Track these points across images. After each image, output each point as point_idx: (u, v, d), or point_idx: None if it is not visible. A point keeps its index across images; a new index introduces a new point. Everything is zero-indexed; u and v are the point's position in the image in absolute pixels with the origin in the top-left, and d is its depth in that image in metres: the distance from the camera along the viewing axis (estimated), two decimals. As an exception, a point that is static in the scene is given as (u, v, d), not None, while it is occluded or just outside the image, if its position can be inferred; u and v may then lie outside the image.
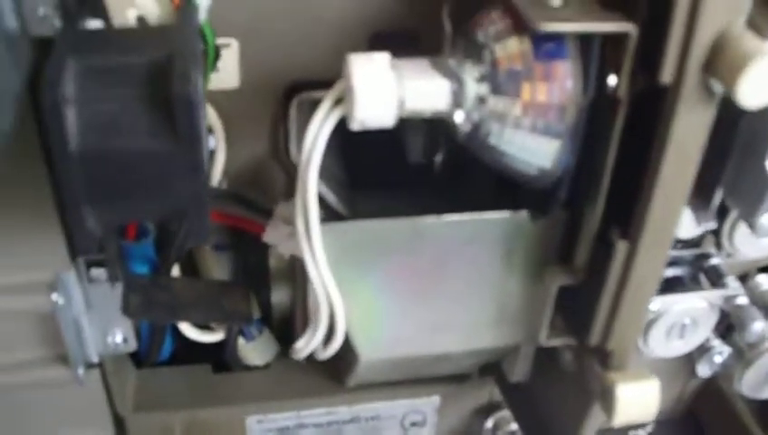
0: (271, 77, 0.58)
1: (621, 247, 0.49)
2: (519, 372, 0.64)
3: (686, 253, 0.64)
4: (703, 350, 0.68)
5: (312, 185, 0.50)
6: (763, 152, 0.49)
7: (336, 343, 0.57)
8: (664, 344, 0.65)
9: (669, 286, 0.63)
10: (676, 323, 0.63)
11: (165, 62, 0.42)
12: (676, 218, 0.48)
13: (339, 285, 0.54)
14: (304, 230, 0.51)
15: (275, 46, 0.57)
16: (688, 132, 0.45)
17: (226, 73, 0.57)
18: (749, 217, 0.51)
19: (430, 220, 0.54)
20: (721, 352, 0.69)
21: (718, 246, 0.62)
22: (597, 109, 0.47)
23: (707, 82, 0.43)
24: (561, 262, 0.55)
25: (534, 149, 0.48)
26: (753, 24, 0.44)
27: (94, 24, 0.46)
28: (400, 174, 0.62)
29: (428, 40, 0.56)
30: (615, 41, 0.45)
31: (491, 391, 0.72)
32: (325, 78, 0.51)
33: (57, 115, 0.40)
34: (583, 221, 0.52)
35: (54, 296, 0.56)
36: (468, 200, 0.58)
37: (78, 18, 0.46)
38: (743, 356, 0.69)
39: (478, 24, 0.49)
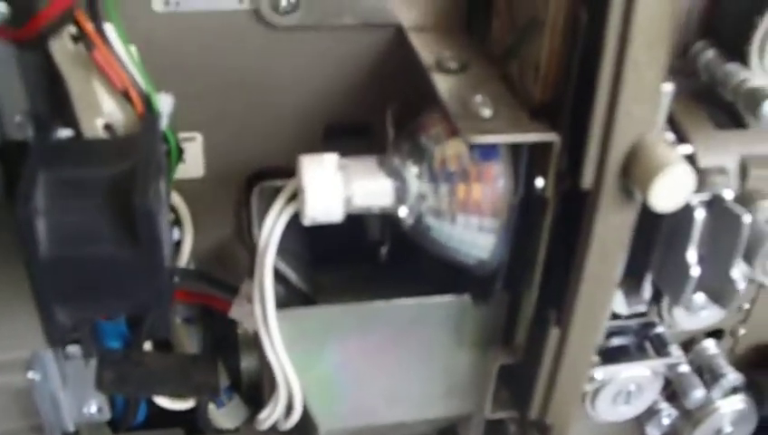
0: (233, 166, 0.63)
1: (554, 333, 0.53)
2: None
3: (632, 323, 0.68)
4: (651, 413, 0.72)
5: (268, 276, 0.54)
6: (684, 246, 0.53)
7: (295, 417, 0.61)
8: (611, 410, 0.69)
9: (616, 355, 0.67)
10: (622, 390, 0.67)
11: (127, 174, 0.46)
12: (604, 308, 0.53)
13: (297, 362, 0.58)
14: (262, 317, 0.56)
15: (237, 139, 0.61)
16: (609, 232, 0.49)
17: (192, 164, 0.61)
18: (674, 302, 0.55)
19: (380, 304, 0.59)
20: (669, 414, 0.72)
21: (660, 317, 0.67)
22: (528, 206, 0.52)
23: (626, 186, 0.48)
24: (503, 341, 0.59)
25: (471, 243, 0.53)
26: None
27: (65, 132, 0.51)
28: (360, 249, 0.66)
29: (380, 130, 0.60)
30: (542, 147, 0.49)
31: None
32: (284, 167, 0.56)
33: (29, 226, 0.45)
34: (521, 305, 0.56)
35: (31, 374, 0.60)
36: (422, 275, 0.62)
37: (50, 127, 0.51)
38: (690, 417, 0.73)
39: (420, 127, 0.53)
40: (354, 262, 0.66)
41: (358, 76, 0.60)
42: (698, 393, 0.67)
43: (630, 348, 0.68)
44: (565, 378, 0.55)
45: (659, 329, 0.68)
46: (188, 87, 0.57)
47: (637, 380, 0.67)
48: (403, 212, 0.53)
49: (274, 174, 0.61)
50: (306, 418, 0.63)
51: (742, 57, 0.56)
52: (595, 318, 0.53)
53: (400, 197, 0.53)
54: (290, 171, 0.54)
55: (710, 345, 0.72)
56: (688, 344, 0.72)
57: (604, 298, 0.52)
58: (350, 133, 0.62)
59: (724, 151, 0.56)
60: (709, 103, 0.59)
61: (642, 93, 0.45)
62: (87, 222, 0.46)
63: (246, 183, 0.64)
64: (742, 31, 0.56)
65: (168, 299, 0.49)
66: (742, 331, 0.71)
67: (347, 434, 0.66)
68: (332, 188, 0.51)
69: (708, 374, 0.71)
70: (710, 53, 0.58)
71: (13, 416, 0.63)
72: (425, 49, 0.56)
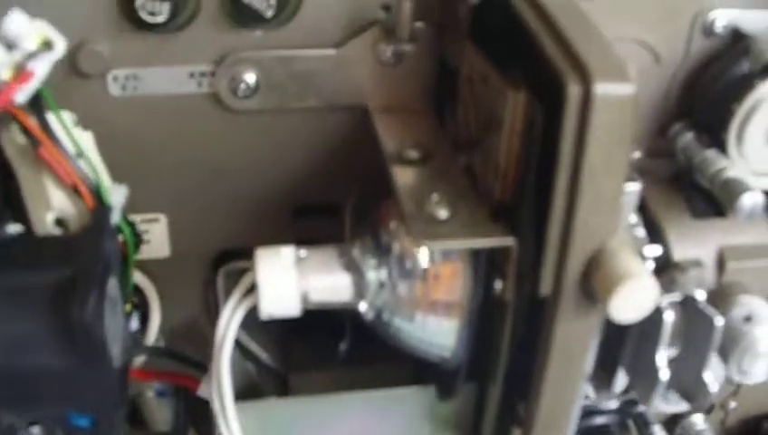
0: (199, 246, 0.61)
1: (516, 434, 0.51)
2: None
3: (613, 402, 0.66)
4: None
5: (225, 371, 0.52)
6: (654, 347, 0.50)
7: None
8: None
9: (597, 435, 0.65)
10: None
11: (68, 282, 0.44)
12: (568, 414, 0.50)
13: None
14: (220, 410, 0.54)
15: (201, 219, 0.60)
16: (571, 338, 0.46)
17: (157, 244, 0.60)
18: (644, 401, 0.53)
19: (347, 396, 0.57)
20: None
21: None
22: (488, 307, 0.50)
23: (588, 291, 0.45)
24: (471, 433, 0.57)
25: (430, 342, 0.51)
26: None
27: (14, 228, 0.50)
28: (332, 326, 0.64)
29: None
30: (501, 250, 0.47)
31: None
32: (251, 247, 0.54)
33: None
34: (487, 400, 0.54)
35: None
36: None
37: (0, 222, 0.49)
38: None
39: (380, 219, 0.51)
40: (329, 332, 0.64)
41: (324, 157, 0.58)
42: (684, 477, 0.65)
43: (612, 428, 0.66)
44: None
45: (641, 408, 0.66)
46: (150, 169, 0.56)
47: (619, 463, 0.65)
48: (363, 307, 0.51)
49: (241, 254, 0.59)
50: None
51: (719, 143, 0.53)
52: (558, 421, 0.50)
53: (360, 291, 0.51)
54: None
55: (698, 420, 0.69)
56: (677, 418, 0.69)
57: (569, 402, 0.50)
58: (319, 213, 0.60)
59: (700, 243, 0.54)
60: (687, 186, 0.56)
61: (600, 204, 0.42)
62: (26, 332, 0.44)
63: (213, 263, 0.62)
64: (720, 116, 0.53)
65: (117, 403, 0.48)
66: (732, 404, 0.69)
67: None
68: (288, 284, 0.49)
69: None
70: (688, 137, 0.55)
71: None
72: (388, 134, 0.54)
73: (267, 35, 0.53)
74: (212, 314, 0.63)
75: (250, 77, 0.54)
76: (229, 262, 0.60)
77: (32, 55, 0.43)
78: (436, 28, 0.54)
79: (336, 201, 0.59)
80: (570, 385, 0.49)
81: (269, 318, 0.50)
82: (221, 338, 0.52)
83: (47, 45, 0.44)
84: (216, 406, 0.54)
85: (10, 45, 0.43)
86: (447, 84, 0.56)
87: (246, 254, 0.57)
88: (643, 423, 0.65)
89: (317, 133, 0.58)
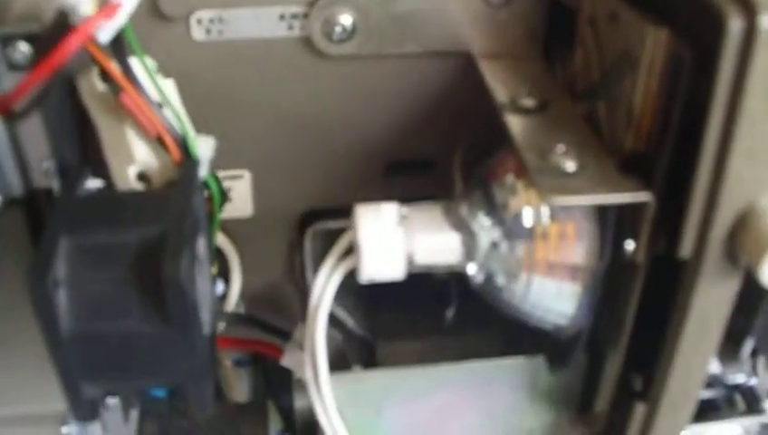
0: (285, 205, 0.56)
1: (640, 409, 0.46)
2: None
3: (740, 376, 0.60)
4: (741, 470, 0.65)
5: (320, 340, 0.48)
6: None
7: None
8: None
9: (703, 410, 0.59)
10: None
11: (157, 239, 0.40)
12: (698, 384, 0.45)
13: (351, 426, 0.52)
14: (313, 380, 0.49)
15: (288, 176, 0.55)
16: (710, 305, 0.41)
17: (240, 203, 0.55)
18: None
19: (443, 368, 0.52)
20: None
21: (755, 372, 0.59)
22: (615, 270, 0.44)
23: (731, 253, 0.40)
24: (580, 409, 0.52)
25: (547, 308, 0.46)
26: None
27: (94, 183, 0.45)
28: (422, 294, 0.59)
29: (445, 166, 0.53)
30: (633, 206, 0.42)
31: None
32: (340, 206, 0.49)
33: (46, 301, 0.39)
34: (603, 370, 0.49)
35: (65, 429, 0.55)
36: (495, 325, 0.55)
37: (77, 177, 0.44)
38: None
39: (492, 173, 0.46)
40: (419, 300, 0.59)
41: (422, 108, 0.53)
42: (796, 455, 0.60)
43: (719, 402, 0.61)
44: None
45: (753, 382, 0.60)
46: (234, 122, 0.51)
47: (727, 438, 0.59)
48: (472, 270, 0.46)
49: (329, 214, 0.55)
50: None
51: None
52: (688, 394, 0.45)
53: (469, 252, 0.45)
54: (346, 211, 0.47)
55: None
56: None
57: (699, 374, 0.45)
58: (415, 170, 0.55)
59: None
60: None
61: (757, 154, 0.37)
62: (111, 295, 0.39)
63: (299, 223, 0.57)
64: None
65: (207, 372, 0.43)
66: None
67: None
68: (392, 244, 0.45)
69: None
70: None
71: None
72: (498, 82, 0.48)
73: (366, -26, 0.48)
74: (297, 278, 0.59)
75: (346, 19, 0.48)
76: (317, 222, 0.56)
77: (118, -13, 0.39)
78: (549, -36, 0.49)
79: (433, 157, 0.54)
80: (702, 357, 0.44)
81: (369, 282, 0.46)
82: (315, 305, 0.47)
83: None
84: (308, 376, 0.49)
85: (94, -23, 0.39)
86: (560, 27, 0.50)
87: (335, 213, 0.53)
88: (753, 399, 0.60)
89: (416, 82, 0.52)
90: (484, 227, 0.45)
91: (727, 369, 0.50)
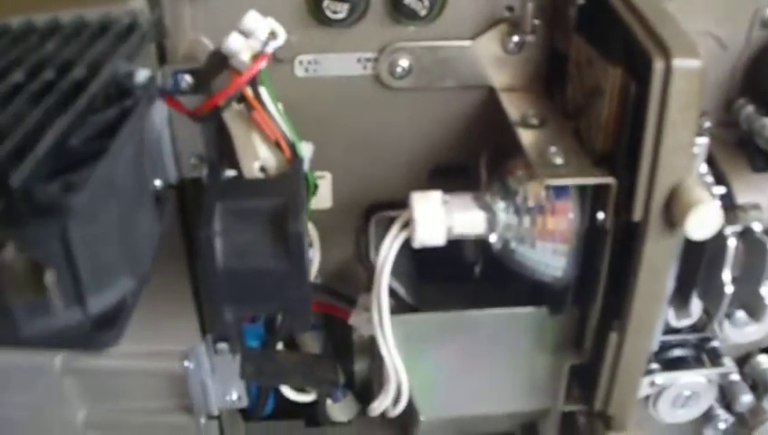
0: (355, 199, 0.82)
1: (613, 338, 0.70)
2: (550, 432, 0.85)
3: (691, 337, 0.84)
4: (708, 417, 0.88)
5: (384, 289, 0.72)
6: (721, 268, 0.69)
7: (401, 405, 0.79)
8: (671, 412, 0.84)
9: (675, 364, 0.83)
10: (680, 395, 0.83)
11: (282, 206, 0.65)
12: (654, 319, 0.69)
13: (404, 360, 0.76)
14: (378, 321, 0.74)
15: (358, 177, 0.80)
16: (656, 255, 0.66)
17: (322, 197, 0.80)
18: (714, 314, 0.72)
19: (473, 313, 0.77)
20: (725, 419, 0.88)
21: (714, 332, 0.83)
22: (592, 234, 0.69)
23: (669, 218, 0.65)
24: (573, 345, 0.77)
25: (547, 264, 0.71)
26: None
27: (230, 172, 0.70)
28: (457, 269, 0.84)
29: (476, 172, 0.78)
30: (603, 188, 0.67)
31: (533, 448, 0.94)
32: (397, 200, 0.75)
33: (209, 245, 0.64)
34: (588, 316, 0.74)
35: (186, 363, 0.79)
36: (507, 292, 0.80)
37: (220, 168, 0.70)
38: (745, 424, 0.89)
39: (507, 171, 0.71)
40: (452, 280, 0.84)
41: (457, 127, 0.79)
42: (746, 398, 0.83)
43: (689, 359, 0.84)
44: (623, 375, 0.72)
45: (714, 343, 0.84)
46: (321, 136, 0.75)
47: (693, 386, 0.82)
48: (493, 238, 0.71)
49: (388, 206, 0.80)
50: (409, 407, 0.81)
51: (775, 113, 0.73)
52: (648, 325, 0.69)
53: (491, 226, 0.70)
54: (401, 204, 0.72)
55: (764, 360, 0.88)
56: (744, 359, 0.88)
57: (655, 309, 0.69)
58: (451, 174, 0.80)
59: (759, 191, 0.73)
60: (749, 148, 0.76)
61: (678, 148, 0.61)
62: (252, 242, 0.64)
63: (365, 213, 0.83)
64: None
65: (308, 303, 0.67)
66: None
67: (442, 422, 0.83)
68: (437, 218, 0.69)
69: (762, 386, 0.87)
70: (749, 109, 0.75)
71: (170, 396, 0.82)
72: (512, 106, 0.74)
73: (419, 29, 0.74)
74: (362, 256, 0.84)
75: (404, 62, 0.75)
76: (378, 212, 0.81)
77: (263, 43, 0.65)
78: (549, 24, 0.75)
79: (466, 163, 0.80)
80: (655, 295, 0.68)
81: (421, 246, 0.70)
82: (382, 263, 0.72)
83: (273, 35, 0.65)
84: (374, 319, 0.74)
85: (246, 35, 0.65)
86: (556, 68, 0.76)
87: (392, 206, 0.78)
88: (715, 356, 0.84)
89: (453, 107, 0.78)
90: (502, 208, 0.70)
91: (680, 316, 0.74)
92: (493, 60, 0.76)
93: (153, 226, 0.61)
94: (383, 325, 0.74)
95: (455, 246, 0.74)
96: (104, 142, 0.51)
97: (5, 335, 0.48)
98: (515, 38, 0.75)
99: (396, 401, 0.79)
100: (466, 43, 0.75)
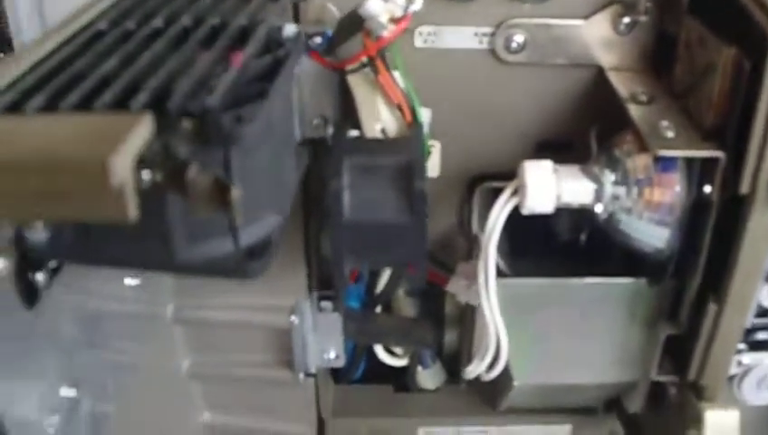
0: (461, 170, 0.86)
1: (712, 309, 0.74)
2: (636, 403, 0.88)
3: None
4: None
5: (491, 252, 0.76)
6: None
7: (498, 369, 0.83)
8: (755, 394, 0.88)
9: (762, 346, 0.87)
10: (765, 377, 0.87)
11: (407, 164, 0.69)
12: (752, 294, 0.73)
13: (506, 321, 0.81)
14: (484, 282, 0.78)
15: (466, 148, 0.84)
16: (759, 230, 0.69)
17: (430, 166, 0.84)
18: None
19: (574, 281, 0.81)
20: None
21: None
22: (697, 207, 0.73)
23: (774, 193, 0.69)
24: (669, 316, 0.80)
25: (651, 235, 0.74)
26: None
27: (353, 132, 0.75)
28: (550, 247, 0.88)
29: (579, 147, 0.83)
30: (711, 161, 0.70)
31: (612, 426, 0.97)
32: (502, 172, 0.79)
33: (337, 197, 0.68)
34: (686, 288, 0.77)
35: (293, 318, 0.84)
36: (603, 268, 0.84)
37: (343, 128, 0.75)
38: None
39: (615, 144, 0.75)
40: (544, 254, 0.88)
41: (564, 104, 0.83)
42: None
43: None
44: (718, 346, 0.75)
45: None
46: (434, 105, 0.80)
47: (779, 368, 0.86)
48: (599, 209, 0.75)
49: (493, 177, 0.85)
50: (501, 375, 0.85)
51: None
52: (746, 299, 0.73)
53: (598, 196, 0.74)
54: (506, 176, 0.76)
55: None
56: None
57: (753, 283, 0.72)
58: (556, 149, 0.84)
59: None
60: None
61: (790, 123, 0.66)
62: (377, 196, 0.69)
63: (469, 184, 0.87)
64: None
65: (426, 258, 0.72)
66: None
67: (532, 390, 0.87)
68: (548, 186, 0.74)
69: None
70: None
71: (272, 350, 0.87)
72: (620, 85, 0.78)
73: (535, 7, 0.79)
74: (464, 225, 0.88)
75: (519, 38, 0.79)
76: (483, 183, 0.85)
77: (403, 7, 0.69)
78: (659, 6, 0.79)
79: (571, 139, 0.84)
80: (755, 270, 0.72)
81: (529, 213, 0.75)
82: (492, 226, 0.76)
83: (410, 0, 0.70)
84: (480, 279, 0.78)
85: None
86: (663, 49, 0.80)
87: (496, 178, 0.83)
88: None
89: (562, 84, 0.83)
90: (610, 179, 0.74)
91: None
92: (603, 40, 0.80)
93: (293, 173, 0.65)
94: (488, 288, 0.78)
95: (549, 221, 0.78)
96: (264, 85, 0.56)
97: (162, 260, 0.53)
98: (626, 19, 0.79)
99: (492, 365, 0.84)
100: (580, 22, 0.79)
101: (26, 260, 0.54)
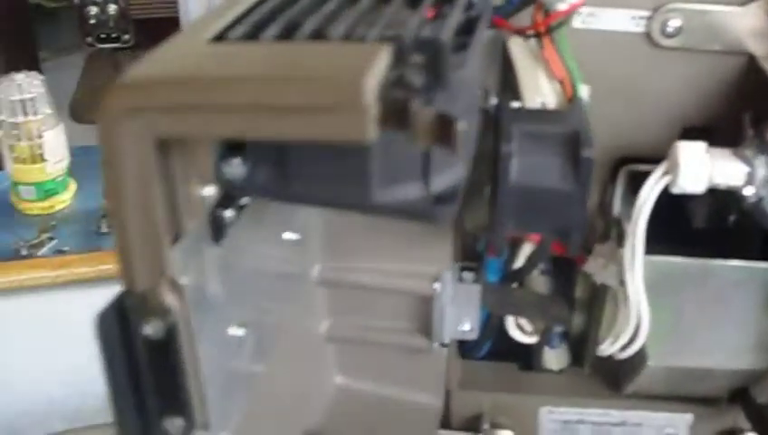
0: (606, 151, 0.89)
1: None
2: (764, 395, 0.91)
3: None
4: None
5: (641, 228, 0.79)
6: None
7: (635, 347, 0.86)
8: None
9: None
10: None
11: (572, 134, 0.72)
12: None
13: (649, 299, 0.83)
14: (630, 259, 0.81)
15: (613, 130, 0.87)
16: None
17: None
18: None
19: (717, 262, 0.83)
20: None
21: None
22: None
23: None
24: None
25: (802, 220, 0.77)
26: None
27: (515, 104, 0.78)
28: (683, 233, 0.91)
29: (723, 134, 0.85)
30: None
31: (735, 418, 0.98)
32: (647, 155, 0.82)
33: (507, 162, 0.71)
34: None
35: (436, 285, 0.87)
36: (737, 255, 0.86)
37: (506, 99, 0.78)
38: None
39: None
40: (680, 242, 0.91)
41: (714, 90, 0.86)
42: None
43: None
44: None
45: None
46: (590, 84, 0.83)
47: None
48: (749, 191, 0.77)
49: (636, 160, 0.88)
50: (637, 353, 0.87)
51: None
52: None
53: (750, 179, 0.77)
54: (651, 159, 0.79)
55: None
56: None
57: None
58: (704, 136, 0.86)
59: None
60: None
61: None
62: (544, 163, 0.72)
63: (614, 165, 0.90)
64: None
65: (585, 226, 0.75)
66: None
67: (664, 372, 0.90)
68: (701, 166, 0.76)
69: None
70: None
71: (411, 317, 0.90)
72: (774, 73, 0.81)
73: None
74: (605, 207, 0.91)
75: (676, 22, 0.82)
76: (626, 165, 0.88)
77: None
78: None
79: (716, 126, 0.86)
80: None
81: (680, 192, 0.77)
82: (641, 204, 0.79)
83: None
84: (626, 255, 0.81)
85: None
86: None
87: (641, 160, 0.86)
88: None
89: (714, 70, 0.86)
90: (763, 163, 0.77)
91: None
92: (757, 28, 0.83)
93: (475, 133, 0.69)
94: (635, 264, 0.81)
95: (686, 206, 0.81)
96: (464, 39, 0.59)
97: (358, 199, 0.56)
98: (791, 6, 0.82)
99: (628, 344, 0.86)
100: (737, 9, 0.82)
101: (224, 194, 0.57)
